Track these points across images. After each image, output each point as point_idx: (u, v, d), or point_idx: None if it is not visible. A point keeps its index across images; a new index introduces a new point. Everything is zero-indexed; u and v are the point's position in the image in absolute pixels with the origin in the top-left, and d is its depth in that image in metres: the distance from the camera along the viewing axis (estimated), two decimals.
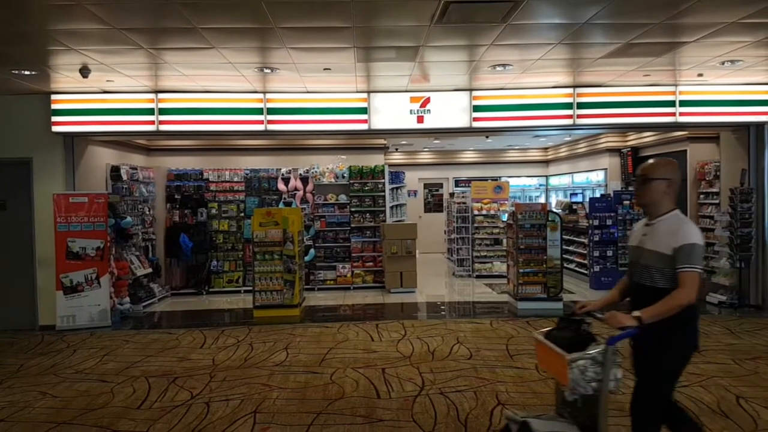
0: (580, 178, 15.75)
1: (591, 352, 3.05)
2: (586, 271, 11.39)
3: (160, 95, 8.46)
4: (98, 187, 9.14)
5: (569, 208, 12.75)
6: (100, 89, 8.24)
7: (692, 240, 2.99)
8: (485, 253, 12.57)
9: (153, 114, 8.47)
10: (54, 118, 8.39)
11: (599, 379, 3.03)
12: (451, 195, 15.20)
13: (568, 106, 8.67)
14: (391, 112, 8.72)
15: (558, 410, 3.39)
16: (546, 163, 18.19)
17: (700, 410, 4.80)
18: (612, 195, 11.34)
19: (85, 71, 7.02)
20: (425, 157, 18.11)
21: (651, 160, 3.30)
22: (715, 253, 9.75)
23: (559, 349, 3.13)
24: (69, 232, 8.29)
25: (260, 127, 8.62)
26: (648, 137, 12.20)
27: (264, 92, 8.56)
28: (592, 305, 3.36)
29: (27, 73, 7.21)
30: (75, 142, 8.61)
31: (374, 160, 11.83)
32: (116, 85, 8.02)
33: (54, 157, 8.48)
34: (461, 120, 8.73)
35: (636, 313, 2.96)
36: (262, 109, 8.58)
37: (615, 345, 3.03)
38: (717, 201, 10.17)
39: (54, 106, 8.38)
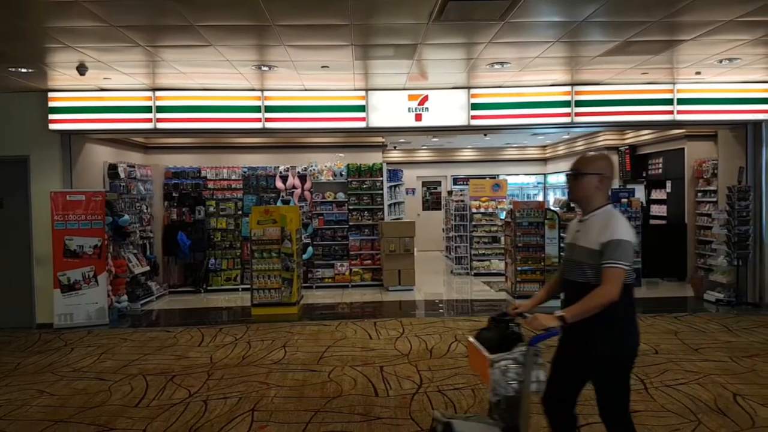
0: None
1: (513, 352, 2.98)
2: None
3: (158, 93, 8.44)
4: (96, 185, 9.13)
5: (567, 206, 12.73)
6: (97, 87, 8.22)
7: (618, 236, 2.90)
8: (483, 251, 12.58)
9: (150, 112, 8.45)
10: (51, 116, 8.36)
11: (521, 381, 2.95)
12: (450, 193, 15.22)
13: (566, 104, 8.67)
14: (389, 109, 8.71)
15: (489, 413, 3.30)
16: (544, 161, 18.20)
17: (698, 408, 4.81)
18: (610, 193, 11.31)
19: (82, 69, 7.01)
20: (423, 155, 18.11)
21: (583, 155, 3.24)
22: (712, 251, 9.77)
23: (483, 350, 3.07)
24: (66, 230, 8.27)
25: (258, 125, 8.61)
26: (646, 135, 12.20)
27: (262, 90, 8.55)
28: (523, 306, 3.28)
29: (24, 70, 7.19)
30: (72, 140, 8.59)
31: (372, 158, 11.83)
32: (113, 83, 8.00)
33: (51, 155, 8.46)
34: (459, 118, 8.72)
35: (559, 313, 2.89)
36: (259, 106, 8.57)
37: (536, 346, 2.97)
38: (715, 199, 10.19)
39: (51, 104, 8.36)
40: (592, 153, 3.23)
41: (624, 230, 2.93)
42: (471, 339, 3.28)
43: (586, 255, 3.01)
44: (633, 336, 3.03)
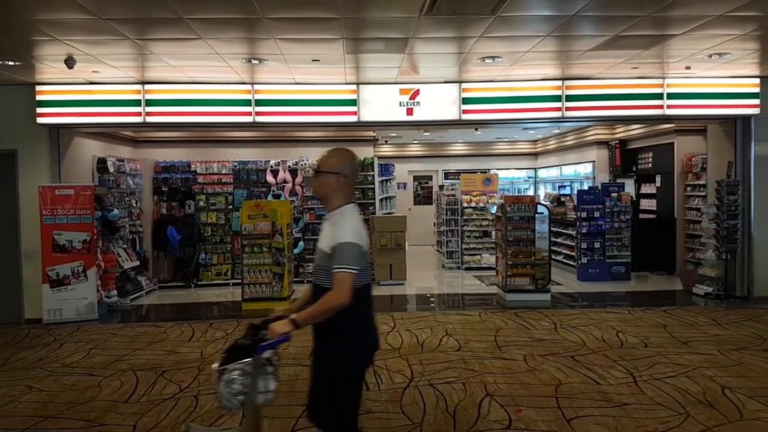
0: (568, 171, 15.81)
1: (241, 362, 2.82)
2: (574, 263, 11.45)
3: (147, 86, 8.38)
4: (84, 180, 9.05)
5: (557, 200, 12.81)
6: (85, 80, 8.14)
7: (344, 239, 2.78)
8: (474, 246, 12.60)
9: (140, 105, 8.39)
10: (39, 110, 8.28)
11: (247, 392, 2.81)
12: (441, 187, 15.23)
13: (557, 98, 8.68)
14: (380, 103, 8.69)
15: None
16: (535, 155, 18.24)
17: (687, 400, 4.85)
18: (600, 187, 11.39)
19: (70, 62, 6.94)
20: (415, 150, 18.10)
21: (325, 152, 3.10)
22: (701, 245, 9.84)
23: (218, 361, 2.90)
24: (55, 225, 8.21)
25: (248, 119, 8.57)
26: (636, 130, 12.26)
27: (252, 83, 8.50)
28: (282, 311, 3.08)
29: (11, 63, 7.11)
30: (61, 134, 8.51)
31: (364, 152, 11.79)
32: (102, 76, 7.93)
33: (39, 149, 8.38)
34: (450, 112, 8.72)
35: (293, 316, 2.81)
36: (250, 100, 8.52)
37: (272, 352, 2.86)
38: (704, 193, 10.25)
39: (39, 97, 8.28)
40: (333, 149, 3.08)
41: (350, 232, 2.82)
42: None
43: (322, 257, 2.92)
44: (363, 342, 2.95)
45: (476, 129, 13.01)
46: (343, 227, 2.85)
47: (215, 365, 2.89)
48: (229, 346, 2.98)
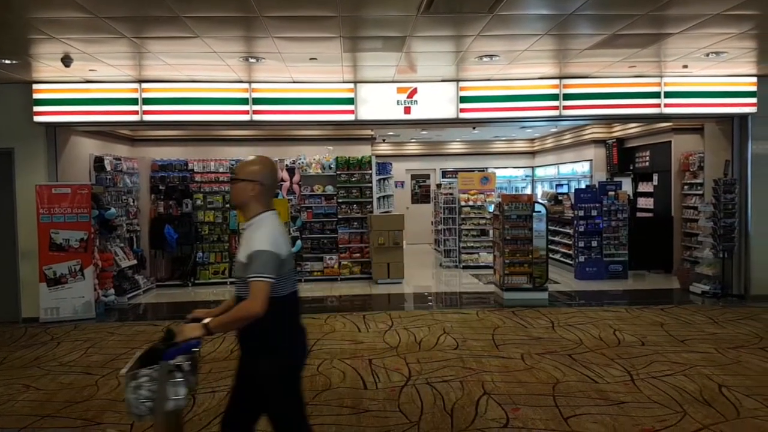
0: (565, 169, 15.83)
1: (150, 368, 2.75)
2: (571, 262, 11.46)
3: (144, 85, 8.35)
4: (81, 178, 9.03)
5: (555, 199, 12.81)
6: (82, 78, 8.12)
7: (258, 247, 2.71)
8: (472, 244, 12.61)
9: (137, 104, 8.36)
10: (36, 108, 8.25)
11: (155, 399, 2.73)
12: (438, 186, 15.23)
13: (555, 97, 8.69)
14: (378, 102, 8.68)
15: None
16: (532, 154, 18.25)
17: (684, 399, 4.86)
18: (597, 186, 11.40)
19: (67, 60, 6.92)
20: (412, 148, 18.10)
21: (246, 159, 3.04)
22: (698, 244, 9.86)
23: (128, 366, 2.82)
24: (52, 224, 8.19)
25: (245, 117, 8.55)
26: (633, 128, 12.27)
27: (249, 82, 8.48)
28: (200, 313, 3.03)
29: (8, 62, 7.09)
30: (57, 133, 8.48)
31: (361, 150, 11.81)
32: (99, 75, 7.91)
33: (36, 148, 8.35)
34: (448, 111, 8.71)
35: (206, 321, 2.77)
36: (247, 98, 8.50)
37: (172, 359, 2.76)
38: (701, 192, 10.27)
39: (36, 96, 8.25)
40: (252, 157, 3.02)
41: (265, 240, 2.75)
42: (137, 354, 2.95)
43: (239, 267, 2.83)
44: (289, 356, 2.89)
45: (474, 128, 13.00)
46: (259, 235, 2.78)
47: (123, 370, 2.80)
48: (145, 350, 2.91)
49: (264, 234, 2.79)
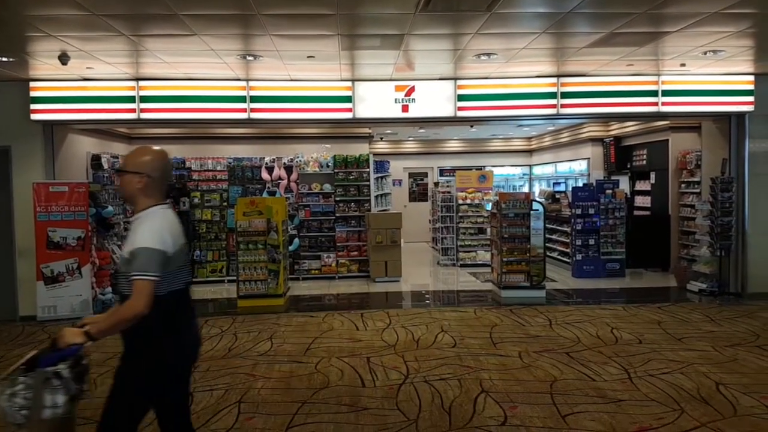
0: (563, 168, 15.84)
1: (26, 375, 2.64)
2: (568, 260, 11.47)
3: (142, 83, 8.33)
4: (79, 176, 9.01)
5: (552, 197, 12.82)
6: (79, 76, 8.10)
7: (142, 243, 2.61)
8: (469, 242, 12.62)
9: (134, 102, 8.34)
10: (33, 106, 8.23)
11: (30, 407, 2.61)
12: (436, 184, 15.24)
13: (552, 95, 8.69)
14: (375, 100, 8.67)
15: None
16: (530, 152, 18.26)
17: (681, 396, 4.88)
18: (594, 184, 11.42)
19: (64, 58, 6.90)
20: (410, 147, 18.10)
21: (132, 150, 2.92)
22: (695, 242, 9.87)
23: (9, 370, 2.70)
24: (49, 222, 8.17)
25: (243, 116, 8.53)
26: (630, 127, 12.28)
27: (247, 80, 8.47)
28: (94, 318, 2.90)
29: (4, 59, 7.07)
30: (55, 131, 8.47)
31: (359, 149, 11.80)
32: (96, 73, 7.89)
33: (33, 146, 8.33)
34: (446, 109, 8.71)
35: (86, 327, 2.65)
36: (245, 97, 8.49)
37: (49, 366, 2.64)
38: (698, 190, 10.28)
39: (33, 94, 8.22)
40: (140, 148, 2.90)
41: (148, 236, 2.64)
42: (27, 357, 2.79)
43: (123, 263, 2.72)
44: (168, 358, 2.77)
45: (471, 126, 13.01)
46: (142, 231, 2.67)
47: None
48: (29, 357, 2.78)
49: (148, 229, 2.68)
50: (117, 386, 2.77)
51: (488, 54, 7.28)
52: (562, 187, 15.33)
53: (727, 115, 9.02)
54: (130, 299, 2.57)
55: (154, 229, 2.69)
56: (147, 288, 2.56)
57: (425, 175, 18.31)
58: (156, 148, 2.94)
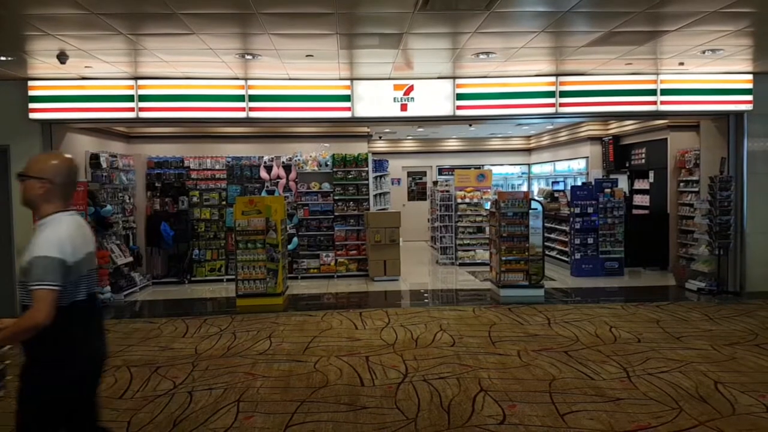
0: (561, 167, 15.85)
1: None
2: (567, 259, 11.48)
3: (140, 82, 8.33)
4: None
5: (551, 196, 12.83)
6: (78, 75, 8.09)
7: (40, 252, 2.51)
8: (468, 241, 12.62)
9: (132, 101, 8.34)
10: (31, 105, 8.22)
11: None
12: (435, 183, 15.23)
13: (551, 94, 8.69)
14: (374, 99, 8.67)
15: None
16: (528, 151, 18.27)
17: (679, 395, 4.88)
18: (593, 183, 11.42)
19: (62, 57, 6.89)
20: (409, 146, 18.09)
21: (36, 156, 2.81)
22: (694, 241, 9.88)
23: None
24: None
25: (242, 114, 8.53)
26: (629, 125, 12.28)
27: (245, 79, 8.46)
28: (4, 324, 2.68)
29: (3, 58, 7.06)
30: (53, 130, 8.45)
31: (358, 148, 11.79)
32: (95, 72, 7.88)
33: (32, 145, 8.30)
34: (445, 108, 8.71)
35: None
36: (243, 95, 8.48)
37: None
38: (697, 189, 10.28)
39: (31, 93, 8.21)
40: (45, 154, 2.81)
41: (47, 245, 2.55)
42: None
43: (21, 273, 2.62)
44: (67, 372, 2.65)
45: (470, 125, 13.00)
46: (42, 239, 2.57)
47: None
48: None
49: (48, 237, 2.58)
50: (19, 409, 2.67)
51: (487, 53, 7.28)
52: (560, 186, 15.34)
53: (726, 114, 9.02)
54: (31, 309, 2.49)
55: (54, 237, 2.59)
56: (47, 297, 2.48)
57: (424, 174, 18.32)
58: (63, 154, 2.86)
